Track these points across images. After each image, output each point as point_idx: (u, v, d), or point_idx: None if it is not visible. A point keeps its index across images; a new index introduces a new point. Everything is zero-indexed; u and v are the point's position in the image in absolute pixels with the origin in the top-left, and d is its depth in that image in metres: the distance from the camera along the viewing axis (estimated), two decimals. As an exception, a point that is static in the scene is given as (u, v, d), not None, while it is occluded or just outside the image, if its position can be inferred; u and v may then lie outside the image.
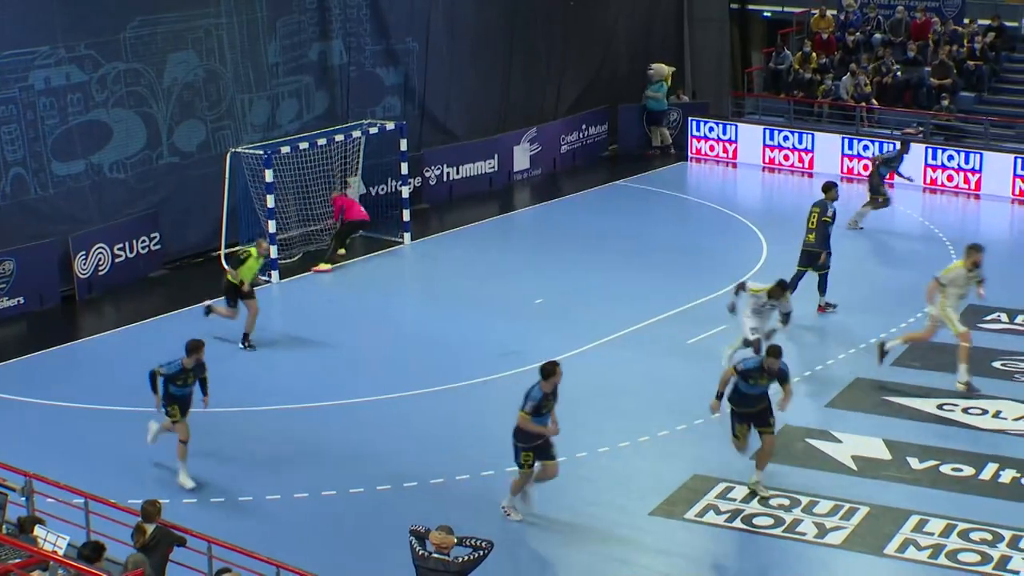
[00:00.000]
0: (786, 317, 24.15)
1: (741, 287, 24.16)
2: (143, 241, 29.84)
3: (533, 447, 18.87)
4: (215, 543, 15.70)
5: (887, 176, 33.33)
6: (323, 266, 30.52)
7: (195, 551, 15.79)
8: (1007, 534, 18.94)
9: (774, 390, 19.67)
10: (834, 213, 27.28)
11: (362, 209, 31.38)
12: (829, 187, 27.77)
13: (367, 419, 23.01)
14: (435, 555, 14.29)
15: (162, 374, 20.29)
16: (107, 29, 29.09)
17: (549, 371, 18.73)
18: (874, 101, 39.47)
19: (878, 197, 32.95)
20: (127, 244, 29.45)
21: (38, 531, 15.36)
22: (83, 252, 28.80)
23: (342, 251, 31.02)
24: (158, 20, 29.95)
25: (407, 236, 32.54)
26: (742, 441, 20.25)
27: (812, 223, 27.18)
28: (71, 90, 28.70)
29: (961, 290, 23.70)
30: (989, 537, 18.89)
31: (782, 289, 23.58)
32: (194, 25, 30.67)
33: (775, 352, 19.53)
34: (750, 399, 19.82)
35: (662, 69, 41.42)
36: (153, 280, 29.96)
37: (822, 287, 27.31)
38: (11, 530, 15.75)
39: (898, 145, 34.41)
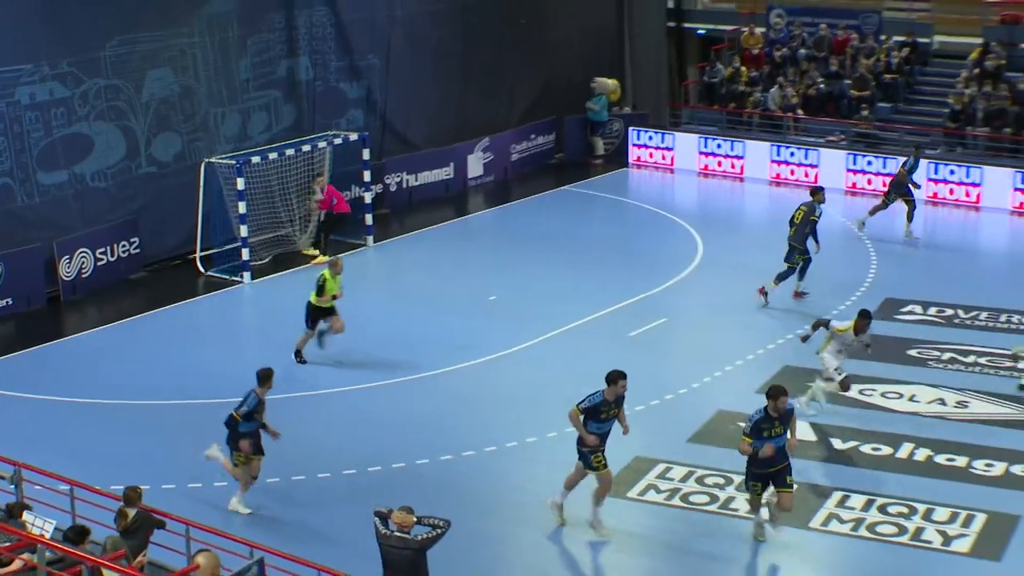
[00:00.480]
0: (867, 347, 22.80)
1: (823, 325, 22.64)
2: (123, 246, 29.69)
3: (602, 449, 18.17)
4: (193, 525, 15.68)
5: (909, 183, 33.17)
6: (320, 258, 30.67)
7: (174, 533, 15.77)
8: (921, 507, 19.14)
9: None
10: (821, 213, 27.77)
11: (347, 204, 31.54)
12: (817, 191, 28.19)
13: (334, 409, 23.03)
14: (397, 533, 14.32)
15: (242, 415, 18.91)
16: (88, 48, 28.96)
17: (612, 379, 18.01)
18: (800, 111, 39.68)
19: (896, 200, 32.88)
20: (108, 248, 29.32)
21: (26, 516, 15.32)
22: (67, 256, 28.70)
23: (313, 251, 31.21)
24: (136, 39, 29.81)
25: (370, 239, 32.53)
26: (755, 498, 18.15)
27: (797, 219, 27.53)
28: (55, 105, 28.56)
29: None
30: (905, 510, 19.08)
31: (867, 320, 22.04)
32: (170, 44, 30.55)
33: (778, 392, 17.56)
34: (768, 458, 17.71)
35: (606, 84, 41.49)
36: (133, 282, 29.83)
37: (802, 272, 27.84)
38: (0, 515, 15.69)
39: (912, 153, 34.18)
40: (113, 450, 21.37)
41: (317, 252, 31.17)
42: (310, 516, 19.21)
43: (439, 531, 14.41)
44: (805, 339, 23.29)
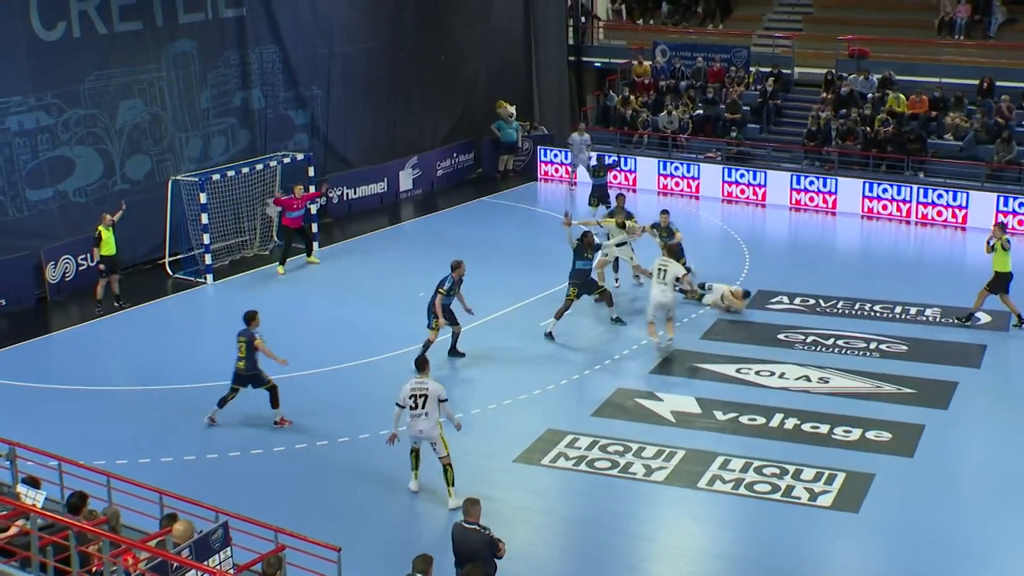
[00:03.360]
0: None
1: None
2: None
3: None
4: (166, 494, 15.45)
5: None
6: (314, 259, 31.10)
7: (148, 501, 15.53)
8: (791, 468, 19.25)
9: None
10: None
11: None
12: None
13: (285, 391, 22.70)
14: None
15: (445, 291, 22.91)
16: (69, 82, 28.56)
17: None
18: (683, 133, 39.81)
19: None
20: (89, 255, 28.84)
21: (20, 488, 15.03)
22: (53, 262, 28.31)
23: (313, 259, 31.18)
24: (110, 74, 29.45)
25: (315, 244, 32.28)
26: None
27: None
28: (40, 131, 28.14)
29: None
30: (777, 471, 19.18)
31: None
32: (140, 78, 30.19)
33: None
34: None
35: (506, 108, 41.27)
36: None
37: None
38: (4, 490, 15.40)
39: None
40: (96, 430, 21.07)
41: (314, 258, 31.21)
42: (268, 484, 19.03)
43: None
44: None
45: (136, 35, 30.07)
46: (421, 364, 18.61)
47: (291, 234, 30.74)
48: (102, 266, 27.26)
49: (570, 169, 38.87)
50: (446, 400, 18.06)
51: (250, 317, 21.18)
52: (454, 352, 24.27)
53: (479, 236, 33.44)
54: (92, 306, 27.32)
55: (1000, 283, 25.41)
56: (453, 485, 18.16)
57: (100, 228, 27.16)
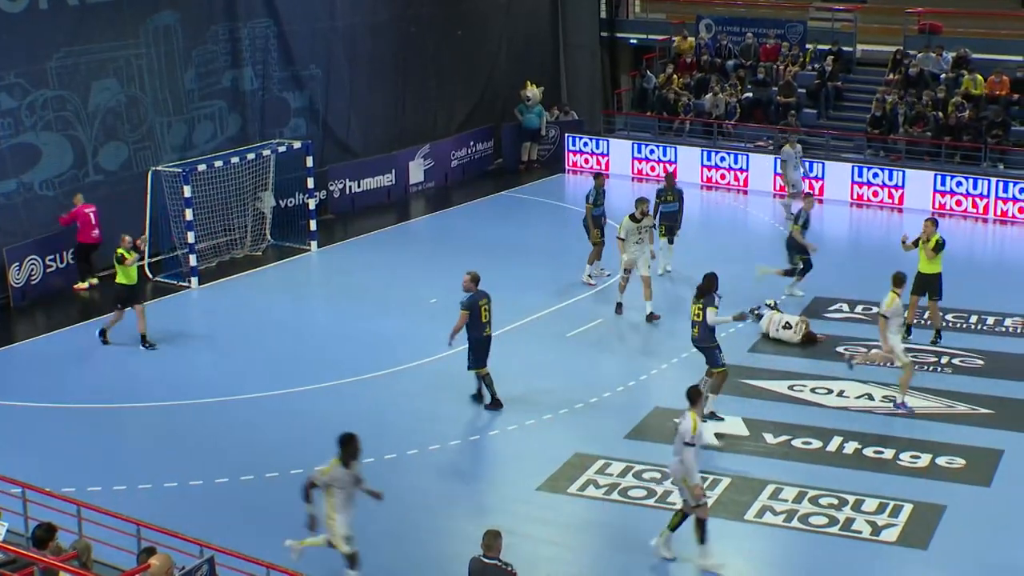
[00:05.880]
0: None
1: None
2: (72, 252, 29.39)
3: None
4: (144, 525, 15.52)
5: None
6: (83, 285, 29.37)
7: (125, 533, 15.60)
8: (851, 498, 19.22)
9: None
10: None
11: (95, 233, 29.59)
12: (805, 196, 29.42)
13: (279, 410, 22.82)
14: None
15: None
16: (35, 59, 28.71)
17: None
18: (730, 119, 39.79)
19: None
20: (57, 256, 29.03)
21: (-21, 521, 15.12)
22: (17, 263, 28.43)
23: (94, 280, 29.87)
24: (82, 51, 29.58)
25: (314, 244, 32.41)
26: None
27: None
28: (2, 115, 28.27)
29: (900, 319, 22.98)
30: (835, 502, 19.15)
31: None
32: (116, 55, 30.34)
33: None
34: None
35: (527, 90, 41.17)
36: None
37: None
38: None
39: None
40: (64, 453, 21.13)
41: (85, 284, 29.54)
42: (259, 515, 19.06)
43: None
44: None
45: (112, 6, 30.21)
46: (689, 395, 17.80)
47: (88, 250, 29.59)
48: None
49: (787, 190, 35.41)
50: (692, 445, 17.18)
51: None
52: (493, 403, 22.77)
53: (499, 235, 33.49)
54: (65, 311, 27.20)
55: (926, 285, 25.67)
56: (703, 543, 17.49)
57: (121, 250, 25.77)
